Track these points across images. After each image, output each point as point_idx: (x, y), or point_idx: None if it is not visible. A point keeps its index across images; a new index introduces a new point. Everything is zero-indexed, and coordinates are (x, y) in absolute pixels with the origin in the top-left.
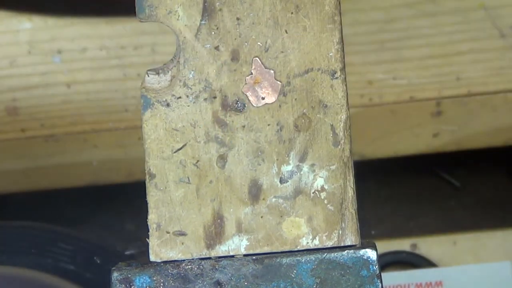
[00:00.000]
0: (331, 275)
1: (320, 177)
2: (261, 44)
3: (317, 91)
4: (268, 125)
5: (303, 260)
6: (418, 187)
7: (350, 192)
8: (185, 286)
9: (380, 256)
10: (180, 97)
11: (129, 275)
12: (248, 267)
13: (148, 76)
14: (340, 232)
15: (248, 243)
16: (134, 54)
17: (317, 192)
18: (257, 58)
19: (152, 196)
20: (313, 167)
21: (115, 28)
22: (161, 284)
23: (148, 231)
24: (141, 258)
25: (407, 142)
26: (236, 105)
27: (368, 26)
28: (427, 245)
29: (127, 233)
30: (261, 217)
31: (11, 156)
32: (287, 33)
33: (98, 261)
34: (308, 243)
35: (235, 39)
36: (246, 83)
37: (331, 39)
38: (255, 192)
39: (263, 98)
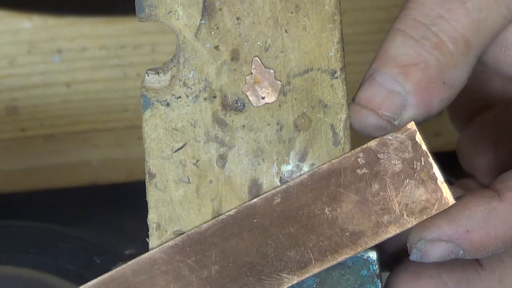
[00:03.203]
0: (331, 275)
1: None
2: (261, 44)
3: (317, 91)
4: (268, 124)
5: None
6: None
7: None
8: None
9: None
10: (180, 97)
11: None
12: None
13: (148, 75)
14: None
15: None
16: (134, 54)
17: None
18: (257, 58)
19: (152, 196)
20: (313, 166)
21: (115, 28)
22: None
23: (148, 231)
24: None
25: None
26: (236, 105)
27: (368, 25)
28: None
29: (127, 233)
30: None
31: (11, 156)
32: (287, 32)
33: (98, 261)
34: None
35: (235, 38)
36: (246, 83)
37: (331, 39)
38: (255, 192)
39: (263, 98)
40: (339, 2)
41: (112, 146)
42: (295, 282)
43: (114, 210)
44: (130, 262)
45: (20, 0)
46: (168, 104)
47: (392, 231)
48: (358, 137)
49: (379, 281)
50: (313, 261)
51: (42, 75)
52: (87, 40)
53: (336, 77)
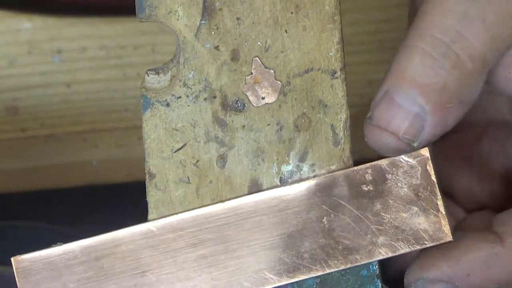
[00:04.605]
0: (331, 275)
1: None
2: (261, 44)
3: (317, 91)
4: (268, 125)
5: None
6: None
7: None
8: None
9: None
10: (180, 97)
11: None
12: None
13: (148, 76)
14: None
15: None
16: (134, 54)
17: None
18: (257, 58)
19: (152, 196)
20: (313, 166)
21: (115, 28)
22: None
23: None
24: None
25: None
26: (236, 105)
27: (368, 26)
28: None
29: None
30: None
31: (11, 156)
32: (287, 33)
33: None
34: None
35: (235, 39)
36: (246, 83)
37: (331, 39)
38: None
39: (263, 98)
40: (339, 3)
41: (112, 146)
42: (278, 284)
43: (114, 210)
44: (121, 230)
45: (20, 0)
46: (168, 104)
47: (384, 254)
48: (358, 137)
49: (379, 281)
50: (302, 268)
51: (42, 75)
52: (87, 40)
53: (336, 77)
